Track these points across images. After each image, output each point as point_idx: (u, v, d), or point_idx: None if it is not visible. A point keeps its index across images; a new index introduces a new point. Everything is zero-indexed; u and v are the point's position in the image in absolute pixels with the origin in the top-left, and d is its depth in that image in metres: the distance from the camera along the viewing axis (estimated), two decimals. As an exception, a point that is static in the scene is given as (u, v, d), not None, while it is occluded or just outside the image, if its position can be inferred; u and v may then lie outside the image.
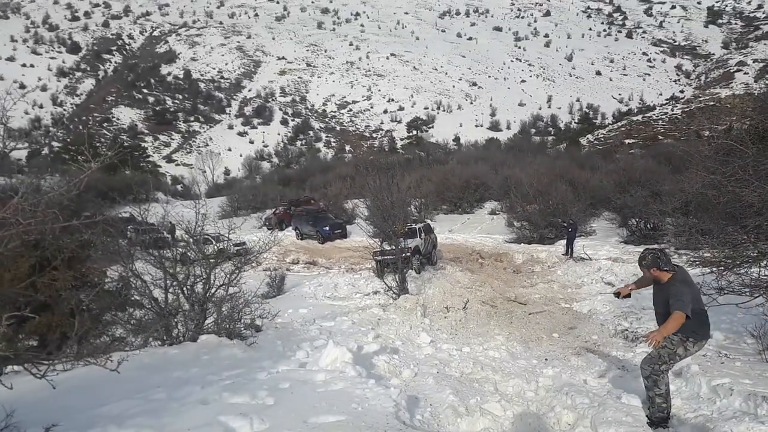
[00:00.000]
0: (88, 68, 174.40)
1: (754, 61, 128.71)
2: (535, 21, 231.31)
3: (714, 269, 6.79)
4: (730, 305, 6.39)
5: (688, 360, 5.76)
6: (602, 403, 4.61)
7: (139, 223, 8.63)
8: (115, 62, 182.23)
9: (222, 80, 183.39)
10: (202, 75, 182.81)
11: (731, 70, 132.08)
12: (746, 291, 6.15)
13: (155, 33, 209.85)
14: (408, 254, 16.07)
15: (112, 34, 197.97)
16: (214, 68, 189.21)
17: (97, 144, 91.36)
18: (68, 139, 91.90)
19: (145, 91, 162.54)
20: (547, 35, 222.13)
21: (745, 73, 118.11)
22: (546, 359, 6.96)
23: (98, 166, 3.10)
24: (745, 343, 6.54)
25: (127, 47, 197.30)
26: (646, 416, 4.60)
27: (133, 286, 7.54)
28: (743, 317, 7.08)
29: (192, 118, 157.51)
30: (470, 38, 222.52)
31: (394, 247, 15.12)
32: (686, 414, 4.53)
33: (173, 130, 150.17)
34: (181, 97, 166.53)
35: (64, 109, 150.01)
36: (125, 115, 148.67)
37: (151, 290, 7.28)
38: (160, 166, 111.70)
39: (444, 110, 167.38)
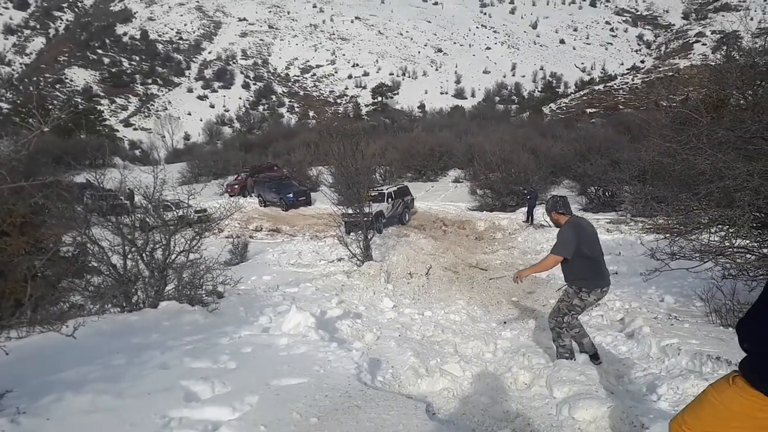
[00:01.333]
0: (38, 26, 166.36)
1: (712, 32, 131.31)
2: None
3: (667, 235, 7.02)
4: (681, 270, 6.63)
5: (640, 322, 5.99)
6: (557, 363, 4.76)
7: (96, 188, 8.39)
8: (67, 20, 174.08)
9: (181, 41, 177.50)
10: (159, 36, 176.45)
11: (690, 41, 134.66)
12: (696, 256, 6.39)
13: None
14: (369, 219, 16.56)
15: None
16: (172, 29, 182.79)
17: (50, 106, 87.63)
18: (18, 101, 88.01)
19: (99, 51, 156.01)
20: (512, 2, 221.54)
21: (703, 44, 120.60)
22: (505, 322, 7.14)
23: (49, 127, 2.98)
24: (694, 306, 6.82)
25: (80, 4, 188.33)
26: None
27: (91, 252, 7.36)
28: (693, 281, 7.38)
29: (150, 81, 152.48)
30: (436, 3, 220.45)
31: (367, 210, 15.87)
32: (636, 373, 4.72)
33: (130, 93, 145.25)
34: (138, 58, 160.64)
35: (13, 69, 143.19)
36: (79, 77, 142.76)
37: (109, 257, 7.13)
38: (117, 131, 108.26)
39: (409, 76, 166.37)
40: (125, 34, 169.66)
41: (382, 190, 21.37)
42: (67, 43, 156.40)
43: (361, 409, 3.57)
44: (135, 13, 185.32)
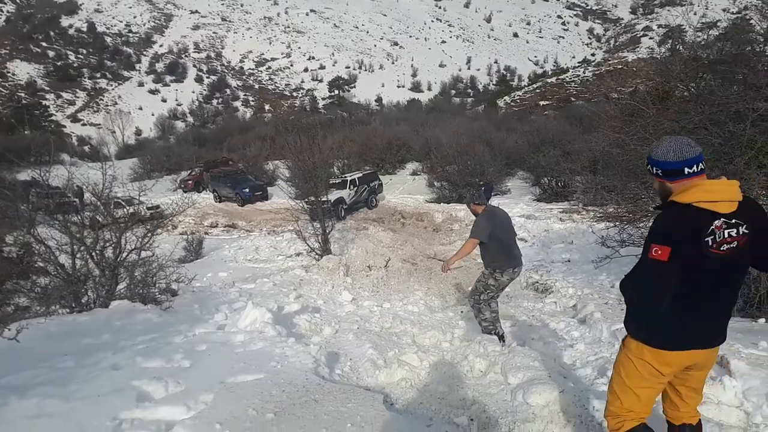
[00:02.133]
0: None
1: (659, 26, 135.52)
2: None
3: (617, 223, 7.23)
4: (630, 256, 6.84)
5: (591, 307, 6.16)
6: (512, 350, 4.85)
7: (42, 186, 8.08)
8: (8, 11, 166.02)
9: (130, 34, 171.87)
10: (108, 28, 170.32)
11: (638, 35, 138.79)
12: (645, 243, 6.60)
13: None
14: (329, 206, 17.78)
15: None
16: (121, 21, 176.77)
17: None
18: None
19: (44, 44, 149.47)
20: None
21: (650, 38, 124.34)
22: (462, 311, 7.22)
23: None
24: (642, 291, 7.06)
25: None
26: None
27: (36, 252, 7.09)
28: (642, 267, 7.62)
29: (98, 75, 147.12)
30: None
31: (325, 198, 16.59)
32: (588, 357, 4.85)
33: (78, 87, 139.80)
34: (85, 51, 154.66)
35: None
36: (22, 71, 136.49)
37: (56, 256, 6.87)
38: (65, 126, 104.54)
39: (366, 70, 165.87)
40: (71, 26, 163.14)
41: (345, 177, 22.56)
42: (9, 35, 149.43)
43: (318, 403, 3.56)
44: (81, 5, 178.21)
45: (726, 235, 2.24)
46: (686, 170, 2.30)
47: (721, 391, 3.52)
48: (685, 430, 2.64)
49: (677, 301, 2.27)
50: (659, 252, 2.20)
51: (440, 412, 3.98)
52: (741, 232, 2.26)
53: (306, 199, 13.61)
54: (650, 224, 2.43)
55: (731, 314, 2.50)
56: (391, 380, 4.61)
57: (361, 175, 23.32)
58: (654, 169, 2.42)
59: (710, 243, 2.22)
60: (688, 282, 2.26)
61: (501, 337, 5.44)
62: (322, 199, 17.77)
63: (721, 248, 2.24)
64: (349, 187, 22.01)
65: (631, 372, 2.47)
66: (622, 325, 4.81)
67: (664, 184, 2.40)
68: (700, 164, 2.30)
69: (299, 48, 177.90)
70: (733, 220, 2.25)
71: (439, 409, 4.04)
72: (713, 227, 2.22)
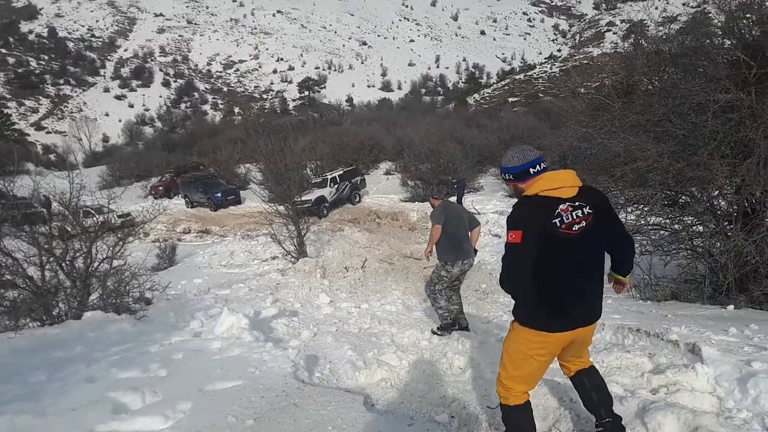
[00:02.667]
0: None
1: (622, 21, 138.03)
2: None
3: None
4: (601, 249, 6.97)
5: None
6: (490, 346, 4.90)
7: (7, 197, 7.87)
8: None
9: (93, 39, 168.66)
10: (69, 33, 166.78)
11: (602, 30, 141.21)
12: (615, 235, 6.72)
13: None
14: (309, 206, 19.79)
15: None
16: (83, 26, 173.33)
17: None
18: None
19: (3, 50, 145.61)
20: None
21: (614, 33, 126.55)
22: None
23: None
24: (615, 283, 7.20)
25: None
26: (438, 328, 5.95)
27: (3, 265, 6.90)
28: (613, 259, 7.76)
29: (62, 81, 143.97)
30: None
31: (298, 200, 17.34)
32: (565, 349, 4.92)
33: (40, 94, 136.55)
34: (47, 57, 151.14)
35: None
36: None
37: (24, 268, 6.70)
38: (28, 134, 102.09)
39: (335, 70, 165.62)
40: (31, 32, 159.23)
41: (326, 175, 23.57)
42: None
43: (298, 407, 3.54)
44: (41, 10, 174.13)
45: (574, 217, 2.61)
46: (530, 170, 2.73)
47: (694, 378, 3.60)
48: (581, 374, 3.06)
49: (546, 284, 2.64)
50: (513, 236, 2.59)
51: (421, 411, 4.00)
52: (586, 212, 2.64)
53: (285, 204, 13.54)
54: None
55: (602, 292, 2.83)
56: (371, 381, 4.61)
57: (342, 172, 24.03)
58: (506, 175, 2.84)
59: (558, 224, 2.59)
60: (550, 260, 2.60)
61: (465, 328, 5.98)
62: (304, 199, 18.82)
63: (572, 228, 2.61)
64: (330, 185, 22.69)
65: (521, 352, 2.78)
66: (624, 324, 4.85)
67: (517, 186, 2.81)
68: (542, 164, 2.74)
69: (267, 49, 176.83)
70: (577, 203, 2.64)
71: (420, 407, 4.05)
72: (559, 210, 2.60)
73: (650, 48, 7.61)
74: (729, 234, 5.81)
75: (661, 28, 9.05)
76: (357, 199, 24.19)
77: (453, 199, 19.71)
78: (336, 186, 23.12)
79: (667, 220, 6.69)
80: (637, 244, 6.82)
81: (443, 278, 5.93)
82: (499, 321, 6.31)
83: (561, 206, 2.61)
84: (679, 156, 5.94)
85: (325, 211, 21.66)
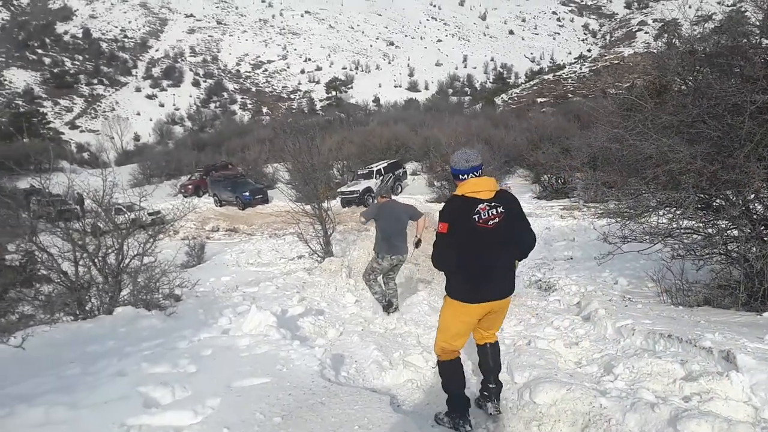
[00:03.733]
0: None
1: (654, 20, 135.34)
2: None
3: (618, 219, 7.22)
4: (633, 252, 6.84)
5: (595, 305, 6.15)
6: (517, 349, 4.85)
7: (43, 194, 8.09)
8: (3, 19, 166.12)
9: (126, 39, 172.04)
10: (103, 34, 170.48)
11: (633, 30, 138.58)
12: (647, 238, 6.59)
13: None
14: (357, 196, 23.05)
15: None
16: (116, 26, 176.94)
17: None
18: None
19: (39, 51, 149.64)
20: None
21: (645, 33, 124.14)
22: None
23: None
24: (646, 287, 7.06)
25: (15, 3, 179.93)
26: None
27: (39, 260, 7.08)
28: (645, 263, 7.61)
29: (95, 81, 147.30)
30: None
31: (346, 190, 23.09)
32: (594, 354, 4.85)
33: (75, 93, 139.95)
34: (81, 58, 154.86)
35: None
36: (19, 78, 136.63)
37: (59, 264, 6.87)
38: (63, 133, 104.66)
39: (362, 70, 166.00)
40: (66, 32, 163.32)
41: (372, 167, 25.53)
42: (4, 43, 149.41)
43: (325, 406, 3.56)
44: (75, 11, 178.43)
45: (490, 214, 3.40)
46: (460, 176, 3.55)
47: (729, 386, 3.52)
48: (487, 346, 3.84)
49: (466, 267, 3.43)
50: (442, 227, 3.40)
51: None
52: (499, 211, 3.44)
53: (312, 204, 13.68)
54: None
55: (513, 274, 3.66)
56: (397, 382, 4.61)
57: (386, 164, 25.90)
58: (453, 172, 3.62)
59: (477, 219, 3.38)
60: (470, 247, 3.40)
61: (395, 307, 7.01)
62: (351, 189, 23.29)
63: (489, 223, 3.39)
64: (376, 177, 24.43)
65: (450, 318, 3.58)
66: (627, 321, 4.87)
67: (454, 183, 3.60)
68: (474, 173, 3.52)
69: (295, 50, 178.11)
70: (493, 203, 3.44)
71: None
72: (478, 209, 3.39)
73: (684, 47, 7.45)
74: (765, 239, 5.65)
75: (695, 27, 8.84)
76: (399, 190, 25.28)
77: (535, 203, 19.72)
78: (381, 177, 24.52)
79: (701, 224, 6.52)
80: (668, 248, 6.69)
81: (375, 269, 6.84)
82: (527, 324, 6.24)
83: (480, 205, 3.40)
84: (714, 158, 5.80)
85: (371, 201, 22.58)
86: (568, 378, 4.16)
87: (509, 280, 3.60)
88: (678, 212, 6.35)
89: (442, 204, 3.70)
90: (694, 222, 6.49)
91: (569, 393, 3.74)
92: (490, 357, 3.82)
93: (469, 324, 3.60)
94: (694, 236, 6.50)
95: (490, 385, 3.80)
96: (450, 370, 3.66)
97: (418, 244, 6.94)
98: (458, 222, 3.37)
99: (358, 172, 26.19)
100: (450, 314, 3.58)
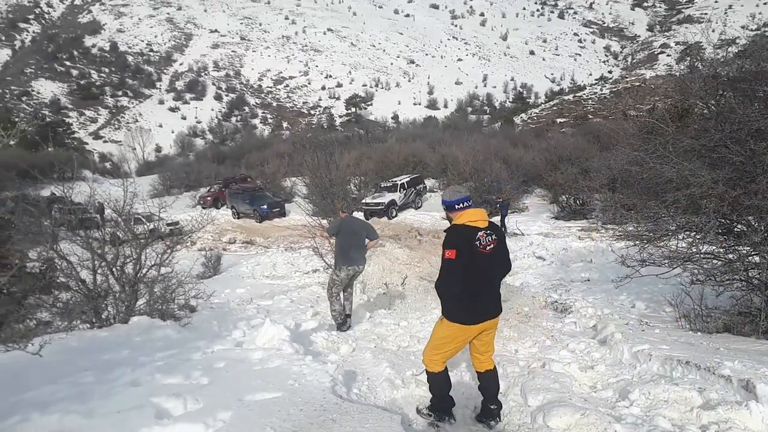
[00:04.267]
0: (3, 38, 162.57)
1: (676, 43, 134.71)
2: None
3: (637, 242, 7.14)
4: (651, 276, 6.75)
5: (612, 328, 6.07)
6: (531, 371, 4.80)
7: (64, 202, 8.22)
8: (33, 32, 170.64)
9: (151, 53, 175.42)
10: (129, 47, 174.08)
11: (655, 52, 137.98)
12: (666, 262, 6.51)
13: (77, 2, 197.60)
14: (382, 208, 24.03)
15: (28, 2, 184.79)
16: (142, 40, 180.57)
17: (16, 119, 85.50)
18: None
19: (67, 63, 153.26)
20: (482, 14, 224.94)
21: (667, 55, 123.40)
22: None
23: (14, 139, 2.90)
24: (664, 312, 6.95)
25: (46, 16, 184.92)
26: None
27: (59, 267, 7.18)
28: (663, 287, 7.50)
29: (120, 93, 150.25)
30: (407, 15, 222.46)
31: (371, 201, 24.40)
32: (609, 379, 4.78)
33: (100, 105, 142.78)
34: (107, 70, 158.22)
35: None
36: (47, 89, 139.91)
37: (78, 272, 6.95)
38: (87, 143, 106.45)
39: (382, 87, 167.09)
40: (94, 45, 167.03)
41: (395, 180, 26.54)
42: (34, 55, 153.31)
43: (336, 423, 3.54)
44: (104, 25, 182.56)
45: (488, 240, 3.80)
46: (456, 206, 3.92)
47: (748, 416, 3.44)
48: (488, 374, 4.08)
49: (467, 289, 3.73)
50: (449, 254, 3.67)
51: (459, 434, 3.94)
52: (493, 238, 3.86)
53: (328, 218, 13.76)
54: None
55: (500, 295, 4.06)
56: (409, 400, 4.57)
57: (409, 179, 26.79)
58: (444, 206, 4.02)
59: (478, 245, 3.73)
60: (470, 271, 3.70)
61: (347, 326, 7.24)
62: (376, 201, 24.43)
63: (487, 248, 3.78)
64: (399, 190, 25.46)
65: (448, 339, 3.88)
66: (644, 346, 4.81)
67: (448, 215, 4.01)
68: (466, 202, 3.92)
69: (317, 66, 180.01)
70: (488, 231, 3.84)
71: (458, 430, 3.99)
72: (479, 235, 3.76)
73: (707, 71, 7.40)
74: (788, 266, 5.54)
75: (718, 51, 8.79)
76: (419, 204, 26.51)
77: (496, 219, 19.60)
78: (404, 191, 25.66)
79: (721, 249, 6.42)
80: (687, 272, 6.59)
81: (335, 282, 7.14)
82: (542, 346, 6.17)
83: (479, 233, 3.78)
84: (736, 183, 5.73)
85: (394, 213, 24.07)
86: (583, 402, 4.10)
87: (499, 299, 4.03)
88: (698, 237, 6.27)
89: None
90: (714, 247, 6.39)
91: (583, 418, 3.68)
92: (491, 382, 4.10)
93: (464, 343, 3.95)
94: (714, 261, 6.40)
95: (492, 407, 4.09)
96: (441, 380, 4.00)
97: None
98: (463, 247, 3.69)
99: (381, 185, 27.06)
100: (447, 335, 3.87)
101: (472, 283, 3.72)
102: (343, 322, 7.22)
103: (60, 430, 3.31)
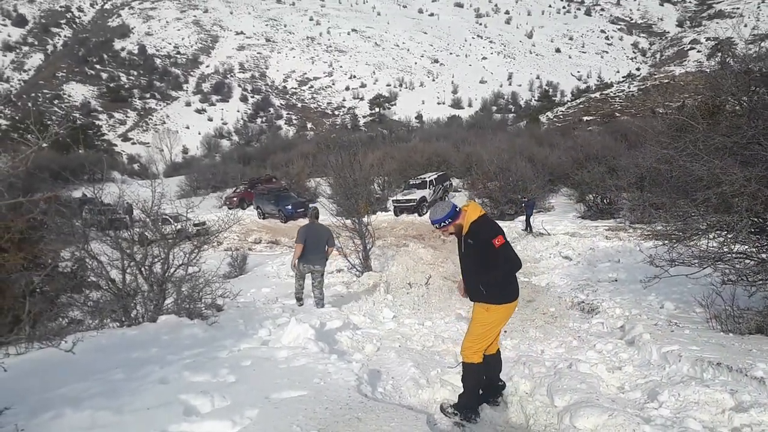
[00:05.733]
0: (36, 42, 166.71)
1: (707, 39, 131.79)
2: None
3: (666, 242, 7.01)
4: (680, 276, 6.63)
5: (640, 329, 5.98)
6: (558, 372, 4.75)
7: (95, 203, 8.40)
8: (65, 36, 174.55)
9: (178, 56, 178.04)
10: (157, 50, 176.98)
11: (685, 48, 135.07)
12: (695, 262, 6.38)
13: (107, 6, 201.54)
14: (414, 204, 24.83)
15: (60, 7, 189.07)
16: (170, 43, 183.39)
17: (48, 122, 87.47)
18: (17, 117, 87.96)
19: (97, 67, 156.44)
20: (507, 12, 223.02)
21: (698, 51, 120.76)
22: (505, 331, 7.08)
23: (47, 142, 2.98)
24: (694, 312, 6.81)
25: (77, 21, 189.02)
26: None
27: (89, 267, 7.33)
28: (693, 287, 7.36)
29: (148, 95, 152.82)
30: (432, 14, 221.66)
31: (402, 198, 25.43)
32: (637, 380, 4.71)
33: (128, 107, 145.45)
34: (135, 73, 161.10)
35: (12, 86, 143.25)
36: (77, 92, 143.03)
37: (108, 271, 7.09)
38: (116, 145, 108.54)
39: (406, 87, 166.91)
40: (123, 49, 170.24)
41: (424, 178, 27.15)
42: (65, 59, 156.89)
43: (361, 421, 3.55)
44: (133, 29, 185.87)
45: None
46: (456, 210, 4.19)
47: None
48: (497, 355, 4.39)
49: (510, 271, 4.05)
50: (500, 239, 3.95)
51: (485, 434, 3.92)
52: None
53: (352, 218, 13.77)
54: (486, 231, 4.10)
55: None
56: (433, 400, 4.57)
57: (436, 176, 27.41)
58: (446, 221, 4.19)
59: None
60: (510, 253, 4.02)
61: (300, 303, 9.00)
62: (408, 198, 25.35)
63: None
64: (429, 187, 26.00)
65: (494, 324, 4.10)
66: (674, 347, 4.73)
67: (453, 224, 4.19)
68: (457, 209, 4.20)
69: (341, 67, 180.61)
70: None
71: (483, 430, 3.97)
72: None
73: (739, 67, 7.23)
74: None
75: (751, 46, 8.58)
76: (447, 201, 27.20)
77: (522, 218, 19.42)
78: (433, 188, 26.17)
79: (754, 249, 6.27)
80: (718, 273, 6.45)
81: (297, 273, 8.87)
82: (569, 347, 6.10)
83: None
84: (771, 181, 5.58)
85: (425, 210, 24.12)
86: (610, 403, 4.04)
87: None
88: (729, 236, 6.14)
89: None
90: (746, 246, 6.25)
91: (611, 419, 3.63)
92: (499, 362, 4.45)
93: (503, 324, 4.25)
94: (747, 261, 6.25)
95: (500, 383, 4.49)
96: (481, 371, 4.17)
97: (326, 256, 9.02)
98: (503, 233, 4.03)
99: (410, 182, 27.56)
100: (495, 320, 4.08)
101: (513, 267, 4.05)
102: (299, 299, 9.06)
103: (91, 425, 3.39)
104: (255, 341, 5.95)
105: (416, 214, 24.50)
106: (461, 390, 4.78)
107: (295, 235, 8.99)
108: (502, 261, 3.95)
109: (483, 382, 4.22)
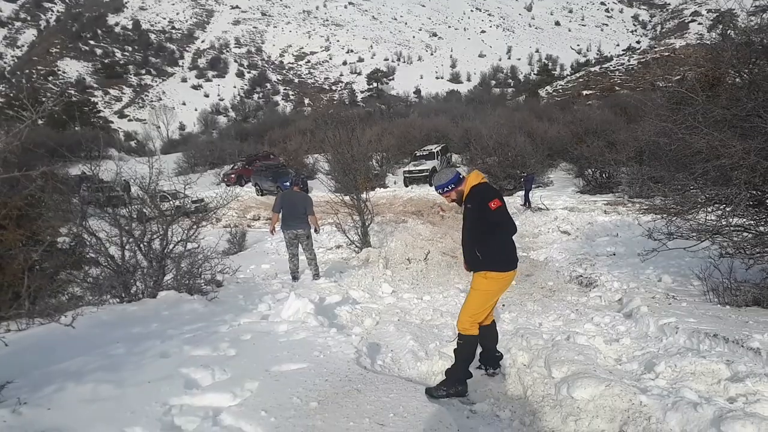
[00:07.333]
0: (29, 18, 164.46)
1: (708, 11, 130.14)
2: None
3: (664, 215, 7.01)
4: (678, 249, 6.65)
5: (638, 302, 6.01)
6: (555, 344, 4.78)
7: (93, 180, 8.36)
8: (58, 11, 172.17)
9: (173, 31, 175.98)
10: (152, 25, 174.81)
11: (686, 21, 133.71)
12: (693, 236, 6.39)
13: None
14: (427, 174, 25.51)
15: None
16: (164, 18, 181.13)
17: (43, 98, 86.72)
18: (11, 94, 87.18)
19: (91, 42, 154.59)
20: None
21: (699, 24, 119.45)
22: (503, 305, 7.13)
23: (42, 117, 2.95)
24: (691, 285, 6.85)
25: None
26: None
27: (88, 243, 7.33)
28: (690, 261, 7.39)
29: (143, 71, 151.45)
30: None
31: (414, 169, 26.58)
32: (635, 352, 4.75)
33: (124, 83, 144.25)
34: (130, 49, 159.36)
35: (5, 62, 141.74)
36: (72, 68, 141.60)
37: (107, 248, 7.09)
38: (112, 122, 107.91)
39: (404, 62, 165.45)
40: (117, 24, 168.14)
41: (430, 149, 28.74)
42: (59, 34, 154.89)
43: (361, 393, 3.59)
44: (126, 3, 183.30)
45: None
46: (459, 176, 4.25)
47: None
48: (492, 325, 4.46)
49: (507, 237, 4.13)
50: (496, 203, 3.94)
51: (483, 405, 3.97)
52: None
53: (350, 194, 13.71)
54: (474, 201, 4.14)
55: None
56: (432, 372, 4.62)
57: (440, 147, 28.86)
58: (449, 186, 4.23)
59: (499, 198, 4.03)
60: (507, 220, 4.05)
61: (298, 280, 8.95)
62: (420, 168, 26.42)
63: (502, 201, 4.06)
64: (437, 157, 27.42)
65: (492, 293, 4.15)
66: (671, 319, 4.75)
67: (457, 189, 4.23)
68: (459, 176, 4.25)
69: (338, 41, 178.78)
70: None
71: (482, 401, 4.02)
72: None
73: (740, 38, 7.15)
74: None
75: (752, 17, 8.47)
76: None
77: (521, 193, 19.40)
78: (440, 158, 27.54)
79: (752, 222, 6.28)
80: (716, 246, 6.47)
81: (287, 247, 9.11)
82: (566, 319, 6.15)
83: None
84: (769, 154, 5.56)
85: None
86: (608, 374, 4.08)
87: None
88: (728, 209, 6.14)
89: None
90: (744, 219, 6.25)
91: (608, 389, 3.67)
92: (495, 332, 4.51)
93: (500, 294, 4.31)
94: (745, 234, 6.26)
95: (497, 354, 4.55)
96: (474, 342, 4.21)
97: (317, 230, 9.31)
98: (500, 197, 4.05)
99: (417, 154, 28.70)
100: (494, 289, 4.12)
101: (507, 235, 4.12)
102: (294, 277, 9.11)
103: (93, 398, 3.41)
104: (255, 316, 5.99)
105: (428, 185, 24.90)
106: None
107: None
108: (488, 230, 4.00)
109: (475, 352, 4.26)
